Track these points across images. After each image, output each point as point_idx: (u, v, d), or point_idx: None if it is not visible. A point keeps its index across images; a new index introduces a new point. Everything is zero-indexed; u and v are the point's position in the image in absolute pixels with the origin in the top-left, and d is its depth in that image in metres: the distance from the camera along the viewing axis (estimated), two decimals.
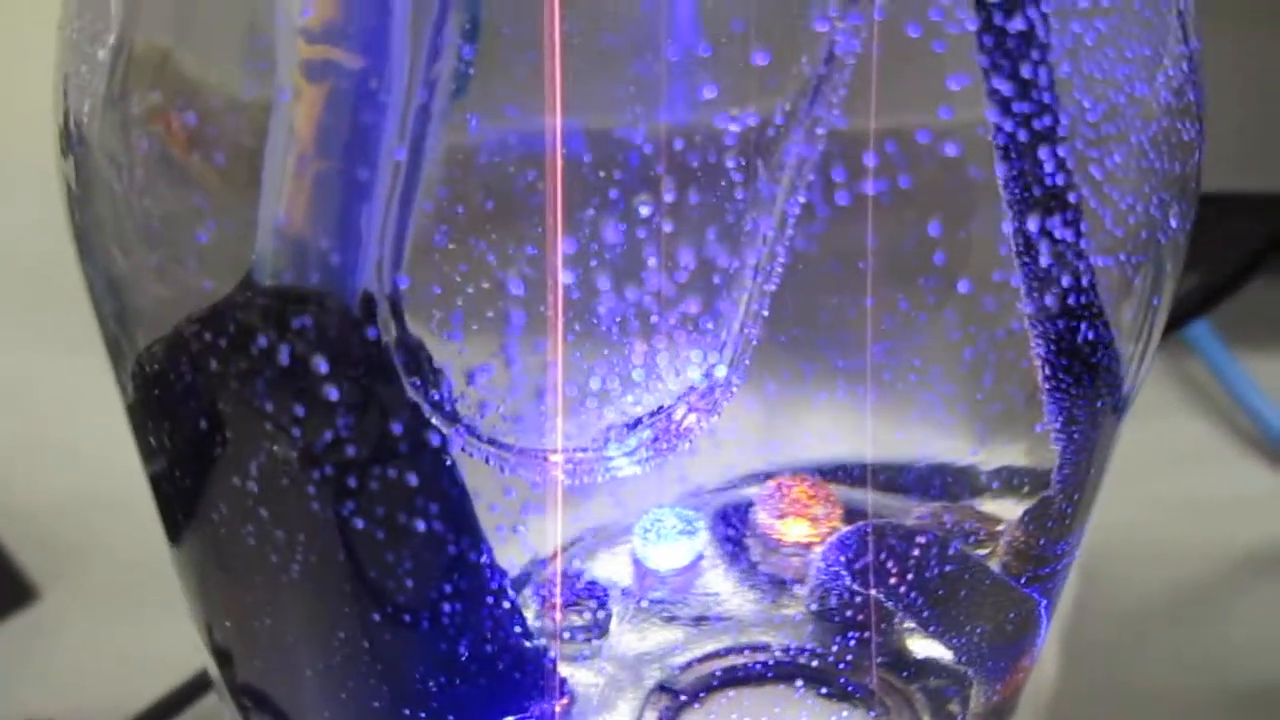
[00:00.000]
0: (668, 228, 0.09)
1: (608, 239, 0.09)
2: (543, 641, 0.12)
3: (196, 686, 0.21)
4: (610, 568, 0.13)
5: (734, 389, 0.11)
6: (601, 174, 0.09)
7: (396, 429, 0.10)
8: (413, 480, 0.10)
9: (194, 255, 0.10)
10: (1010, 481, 0.14)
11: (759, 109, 0.08)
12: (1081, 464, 0.14)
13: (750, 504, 0.15)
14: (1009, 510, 0.14)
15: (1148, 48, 0.09)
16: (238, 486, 0.10)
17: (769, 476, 0.14)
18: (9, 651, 0.25)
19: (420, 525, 0.10)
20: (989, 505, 0.14)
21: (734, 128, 0.08)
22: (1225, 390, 0.28)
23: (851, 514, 0.14)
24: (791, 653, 0.14)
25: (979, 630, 0.15)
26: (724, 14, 0.08)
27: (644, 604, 0.13)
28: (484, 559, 0.10)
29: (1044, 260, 0.09)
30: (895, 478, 0.13)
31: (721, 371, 0.10)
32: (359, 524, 0.10)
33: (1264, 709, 0.22)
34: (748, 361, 0.10)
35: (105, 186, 0.11)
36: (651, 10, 0.08)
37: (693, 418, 0.11)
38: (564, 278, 0.09)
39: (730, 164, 0.08)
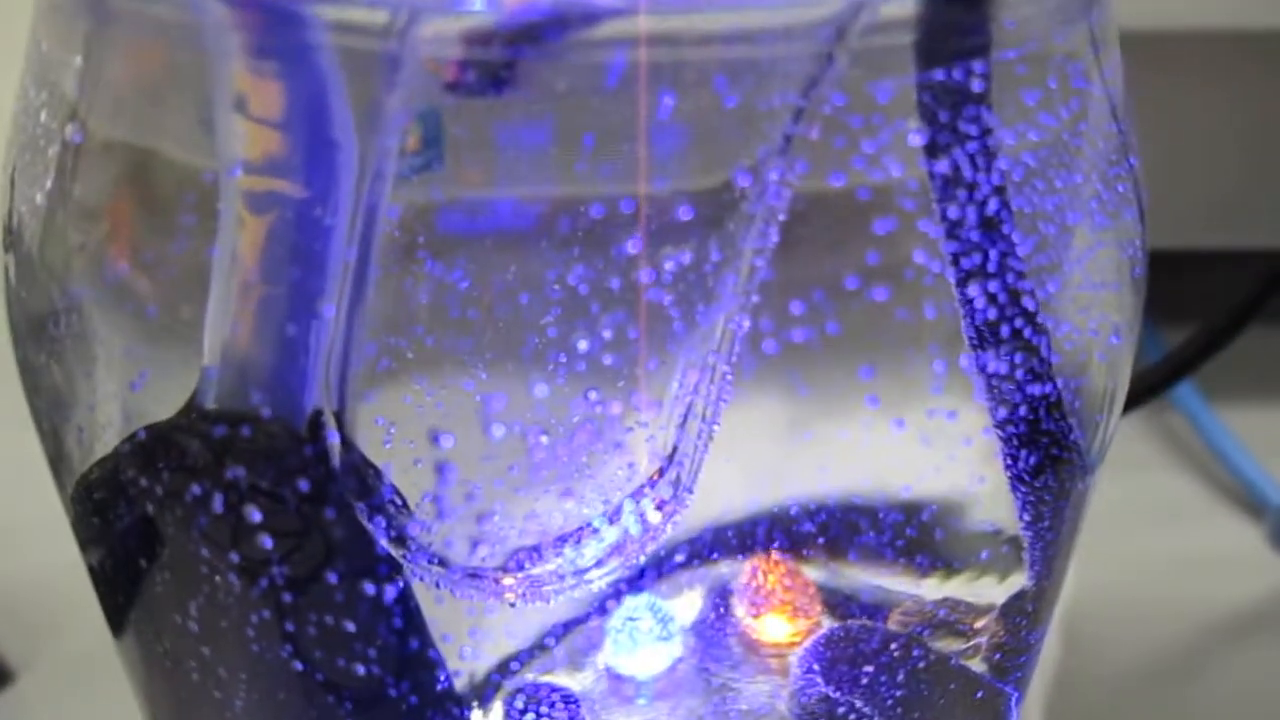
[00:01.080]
0: (608, 360, 0.09)
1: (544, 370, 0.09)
2: None
3: None
4: (581, 677, 0.13)
5: (690, 492, 0.11)
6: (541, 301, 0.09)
7: (343, 552, 0.10)
8: (361, 608, 0.10)
9: (135, 377, 0.10)
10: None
11: (692, 250, 0.08)
12: (1050, 554, 0.14)
13: (728, 591, 0.15)
14: (987, 594, 0.14)
15: (1079, 175, 0.09)
16: (178, 617, 0.10)
17: (744, 546, 0.14)
18: None
19: (372, 652, 0.10)
20: (964, 589, 0.14)
21: (669, 265, 0.08)
22: (1207, 446, 0.28)
23: (830, 600, 0.14)
24: None
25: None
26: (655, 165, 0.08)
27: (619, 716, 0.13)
28: (441, 685, 0.10)
29: (987, 390, 0.09)
30: (873, 557, 0.13)
31: (666, 491, 0.10)
32: (304, 648, 0.10)
33: None
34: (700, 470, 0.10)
35: (43, 293, 0.11)
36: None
37: (656, 515, 0.11)
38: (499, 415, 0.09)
39: (667, 300, 0.08)
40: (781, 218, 0.08)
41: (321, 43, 0.08)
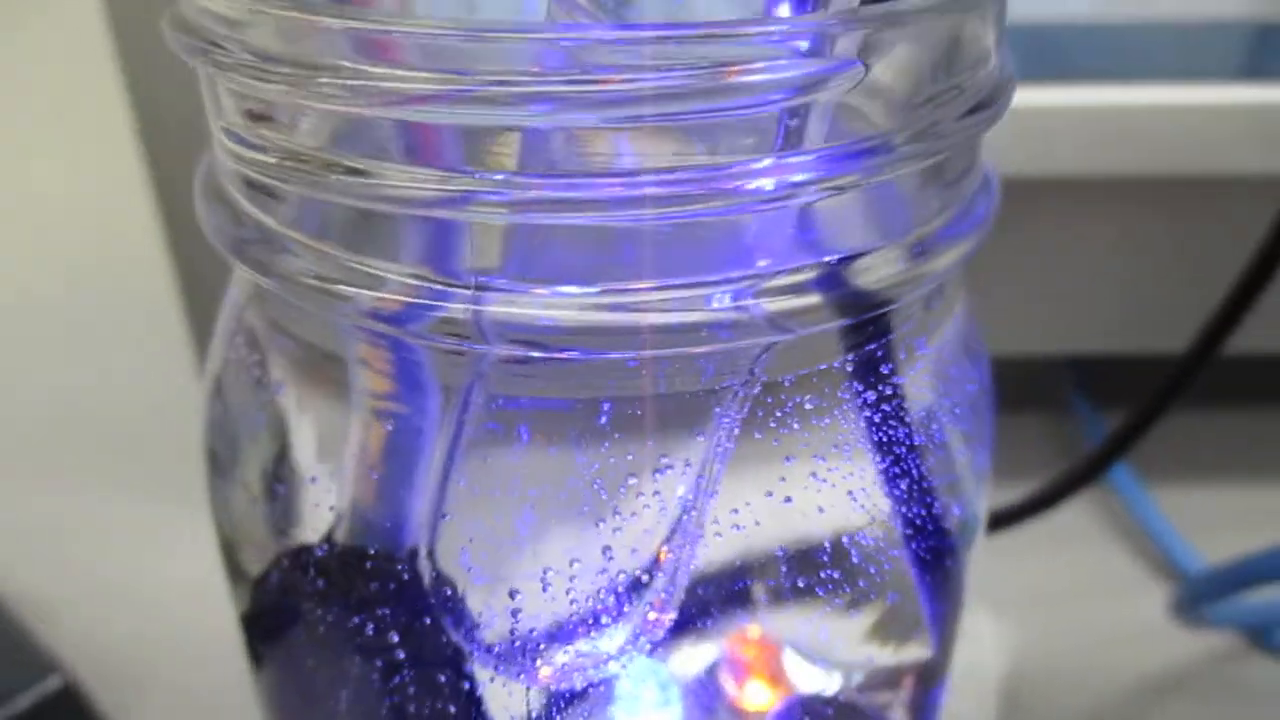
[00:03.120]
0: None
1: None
2: None
3: None
4: None
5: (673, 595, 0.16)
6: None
7: (426, 646, 0.14)
8: (442, 681, 0.14)
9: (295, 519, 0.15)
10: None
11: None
12: (944, 635, 0.18)
13: (716, 664, 0.19)
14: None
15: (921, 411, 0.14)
16: (311, 678, 0.15)
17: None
18: None
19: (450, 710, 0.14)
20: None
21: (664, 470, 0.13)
22: (1139, 524, 0.32)
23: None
24: None
25: None
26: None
27: None
28: None
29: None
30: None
31: (661, 597, 0.14)
32: (400, 712, 0.14)
33: None
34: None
35: (231, 441, 0.16)
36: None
37: (654, 615, 0.16)
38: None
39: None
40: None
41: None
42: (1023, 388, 0.36)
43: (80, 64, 0.40)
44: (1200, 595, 0.25)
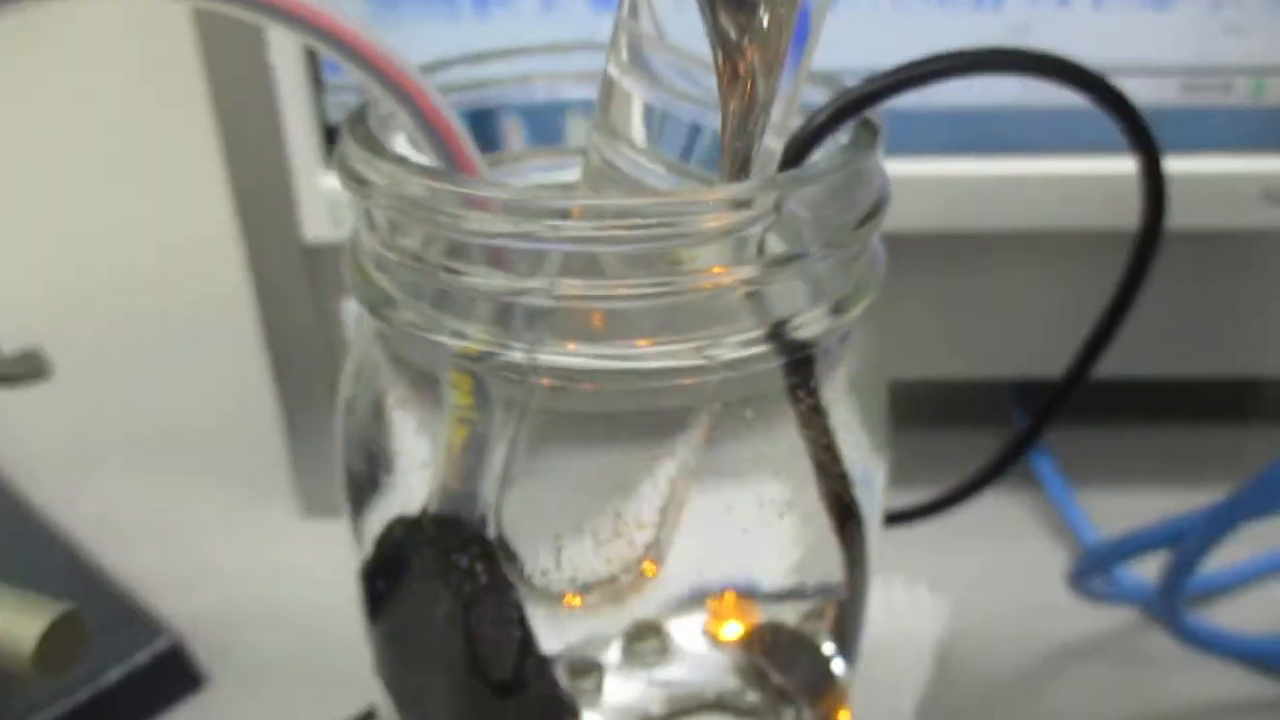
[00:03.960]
0: None
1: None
2: None
3: None
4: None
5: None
6: None
7: (495, 586, 0.21)
8: (503, 610, 0.21)
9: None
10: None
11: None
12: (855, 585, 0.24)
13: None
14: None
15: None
16: (413, 610, 0.21)
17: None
18: None
19: (513, 633, 0.21)
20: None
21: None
22: (1062, 518, 0.38)
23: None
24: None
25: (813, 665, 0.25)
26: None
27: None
28: (535, 648, 0.21)
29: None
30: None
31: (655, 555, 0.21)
32: (475, 634, 0.21)
33: None
34: None
35: (359, 446, 0.23)
36: None
37: (651, 569, 0.22)
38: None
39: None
40: None
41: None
42: (971, 407, 0.43)
43: (170, 82, 0.46)
44: (1092, 566, 0.31)
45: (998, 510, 0.37)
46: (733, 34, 0.17)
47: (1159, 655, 0.34)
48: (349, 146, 0.19)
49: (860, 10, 0.33)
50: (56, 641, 0.21)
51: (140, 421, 0.46)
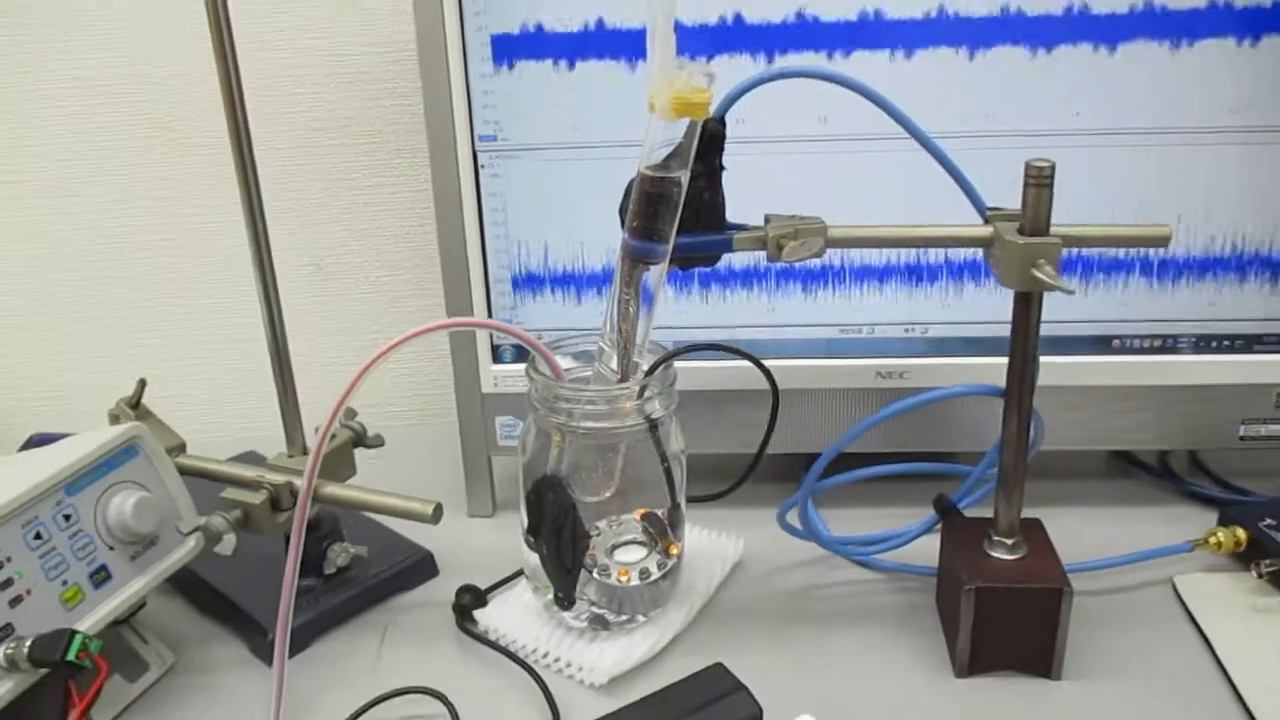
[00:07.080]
0: None
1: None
2: None
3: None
4: None
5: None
6: None
7: (566, 501, 0.70)
8: (570, 508, 0.70)
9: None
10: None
11: None
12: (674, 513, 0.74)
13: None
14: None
15: None
16: (544, 509, 0.71)
17: None
18: None
19: (572, 515, 0.70)
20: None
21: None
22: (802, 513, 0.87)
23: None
24: None
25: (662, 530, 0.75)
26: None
27: None
28: (580, 522, 0.71)
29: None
30: None
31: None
32: (558, 529, 0.70)
33: None
34: None
35: (530, 470, 0.73)
36: None
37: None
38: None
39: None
40: None
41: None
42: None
43: None
44: (785, 510, 0.80)
45: (764, 502, 0.85)
46: (625, 316, 0.67)
47: (832, 565, 0.83)
48: (530, 369, 0.70)
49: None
50: (436, 511, 0.71)
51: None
